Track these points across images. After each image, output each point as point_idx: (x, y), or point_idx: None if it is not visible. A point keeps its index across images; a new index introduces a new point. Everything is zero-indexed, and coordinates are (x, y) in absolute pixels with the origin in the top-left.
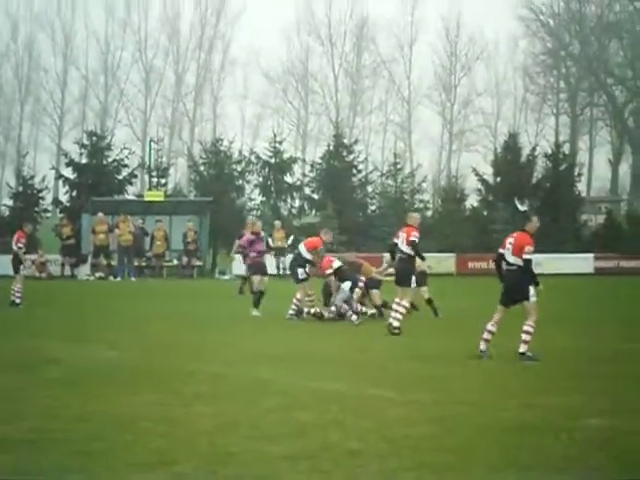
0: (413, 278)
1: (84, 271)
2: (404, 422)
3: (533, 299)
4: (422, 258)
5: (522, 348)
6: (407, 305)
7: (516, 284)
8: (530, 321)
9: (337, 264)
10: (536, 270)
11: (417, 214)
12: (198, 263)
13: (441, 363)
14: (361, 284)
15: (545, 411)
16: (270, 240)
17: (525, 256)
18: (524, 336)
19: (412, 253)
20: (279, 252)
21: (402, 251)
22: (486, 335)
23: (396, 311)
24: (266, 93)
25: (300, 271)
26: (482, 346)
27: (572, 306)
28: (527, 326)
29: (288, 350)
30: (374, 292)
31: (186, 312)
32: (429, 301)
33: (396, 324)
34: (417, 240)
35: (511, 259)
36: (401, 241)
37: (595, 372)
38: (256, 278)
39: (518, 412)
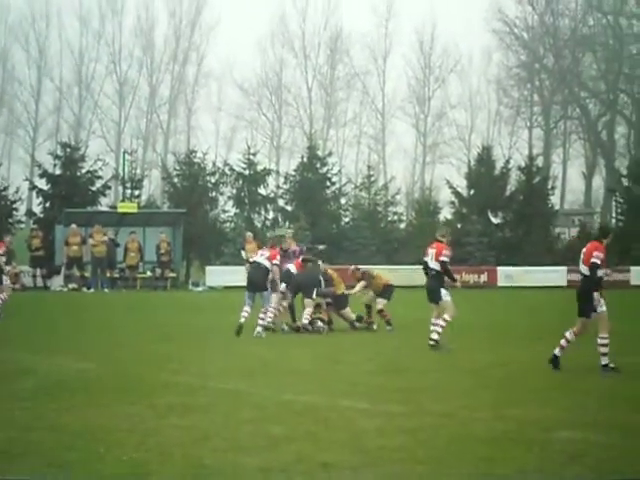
0: (443, 292)
1: (57, 282)
2: (377, 433)
3: (600, 309)
4: (452, 279)
5: (603, 361)
6: (448, 319)
7: (579, 295)
8: (602, 333)
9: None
10: (507, 283)
11: (447, 229)
12: (172, 275)
13: (413, 375)
14: (327, 301)
15: (517, 423)
16: (243, 252)
17: (592, 260)
18: (601, 349)
19: (441, 270)
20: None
21: (431, 268)
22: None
23: (435, 325)
24: (240, 105)
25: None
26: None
27: (546, 319)
28: (600, 339)
29: (261, 362)
30: (346, 311)
31: (159, 324)
32: (380, 311)
33: (435, 336)
34: (448, 260)
35: (582, 269)
36: (430, 257)
37: (568, 385)
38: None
39: (490, 423)
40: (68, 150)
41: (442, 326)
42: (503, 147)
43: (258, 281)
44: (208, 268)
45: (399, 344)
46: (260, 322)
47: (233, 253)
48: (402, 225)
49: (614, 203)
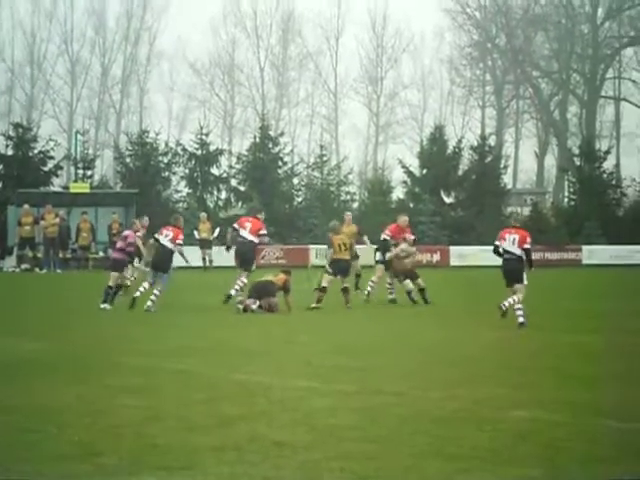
0: (524, 275)
1: (9, 263)
2: (329, 413)
3: None
4: (531, 266)
5: None
6: (521, 299)
7: None
8: None
9: None
10: (460, 263)
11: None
12: None
13: (365, 355)
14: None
15: (469, 402)
16: (196, 232)
17: None
18: None
19: (522, 254)
20: (205, 244)
21: (510, 252)
22: None
23: (517, 309)
24: (193, 85)
25: (378, 254)
26: None
27: (497, 298)
28: None
29: (213, 342)
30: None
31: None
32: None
33: (522, 320)
34: (530, 247)
35: None
36: (511, 242)
37: (519, 364)
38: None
39: (442, 403)
40: (20, 130)
41: (522, 307)
42: (456, 127)
43: (160, 262)
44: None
45: (352, 324)
46: (153, 298)
47: (186, 233)
48: (355, 205)
49: (566, 182)
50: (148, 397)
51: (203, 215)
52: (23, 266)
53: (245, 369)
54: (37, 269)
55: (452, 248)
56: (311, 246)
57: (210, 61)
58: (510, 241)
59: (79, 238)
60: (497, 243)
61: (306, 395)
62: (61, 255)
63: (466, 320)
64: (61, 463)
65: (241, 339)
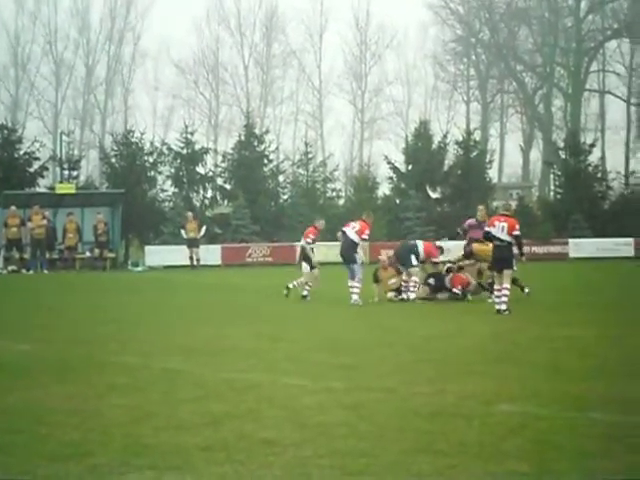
0: (514, 262)
1: None
2: (318, 410)
3: None
4: (522, 253)
5: None
6: (509, 287)
7: None
8: None
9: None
10: (446, 257)
11: (510, 205)
12: (110, 255)
13: (353, 351)
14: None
15: (457, 397)
16: (183, 232)
17: None
18: None
19: (511, 241)
20: (192, 243)
21: (501, 239)
22: None
23: (502, 295)
24: (177, 84)
25: (413, 257)
26: None
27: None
28: None
29: (201, 341)
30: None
31: (98, 304)
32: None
33: (504, 307)
34: (520, 234)
35: None
36: (499, 229)
37: (507, 358)
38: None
39: (430, 398)
40: (5, 132)
41: (507, 295)
42: (441, 122)
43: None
44: (147, 248)
45: (341, 321)
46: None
47: (172, 232)
48: (341, 201)
49: (552, 176)
50: (136, 396)
51: (190, 214)
52: (10, 268)
53: (233, 367)
54: (24, 270)
55: (438, 243)
56: (297, 243)
57: (194, 60)
58: (499, 228)
59: (65, 239)
60: (486, 229)
61: (295, 393)
62: (48, 256)
63: (451, 315)
64: (51, 463)
65: (228, 337)
